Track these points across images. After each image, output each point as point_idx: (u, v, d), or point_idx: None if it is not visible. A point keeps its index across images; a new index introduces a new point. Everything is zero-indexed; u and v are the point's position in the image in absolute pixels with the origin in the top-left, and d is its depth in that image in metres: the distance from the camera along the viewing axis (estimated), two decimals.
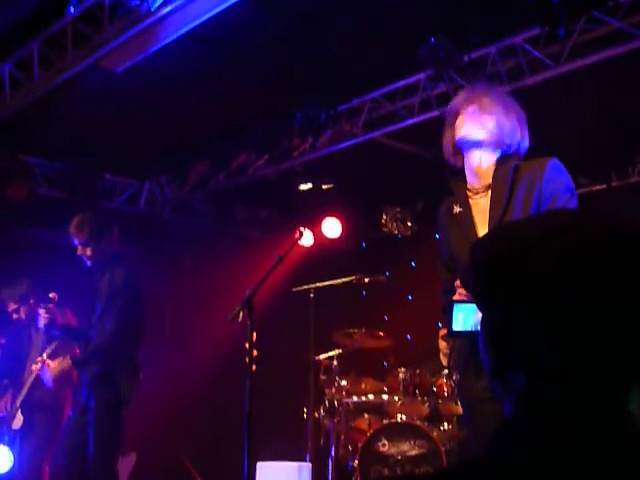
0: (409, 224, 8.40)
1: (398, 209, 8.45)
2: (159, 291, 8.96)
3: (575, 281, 0.97)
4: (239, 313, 3.83)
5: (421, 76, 6.21)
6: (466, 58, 5.71)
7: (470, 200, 3.05)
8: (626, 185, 7.40)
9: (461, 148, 3.06)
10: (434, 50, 5.56)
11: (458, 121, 3.04)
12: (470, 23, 5.57)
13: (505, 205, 2.89)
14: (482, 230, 2.95)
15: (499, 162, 3.00)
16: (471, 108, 3.03)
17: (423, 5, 5.30)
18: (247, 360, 3.79)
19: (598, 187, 7.40)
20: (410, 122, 6.39)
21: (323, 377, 6.74)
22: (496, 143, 3.01)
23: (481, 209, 3.00)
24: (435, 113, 6.14)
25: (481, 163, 3.02)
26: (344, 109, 6.77)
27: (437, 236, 3.35)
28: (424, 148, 7.23)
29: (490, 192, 2.98)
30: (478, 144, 3.00)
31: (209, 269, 8.89)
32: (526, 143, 3.07)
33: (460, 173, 3.15)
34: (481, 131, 2.99)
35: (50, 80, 5.81)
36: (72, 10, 5.10)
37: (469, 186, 3.07)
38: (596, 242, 1.00)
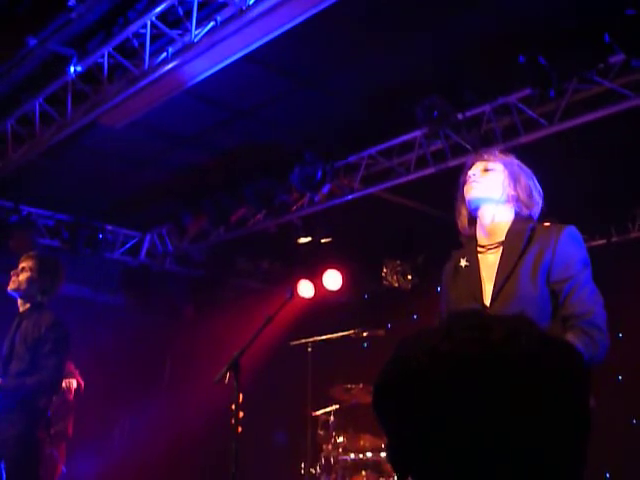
0: (409, 277, 8.39)
1: (398, 262, 8.45)
2: (159, 341, 8.98)
3: (447, 412, 1.03)
4: (226, 374, 3.81)
5: (417, 134, 6.27)
6: (461, 116, 5.77)
7: (479, 255, 3.01)
8: (626, 240, 7.37)
9: (475, 209, 3.03)
10: (429, 109, 5.63)
11: (469, 182, 3.03)
12: (465, 83, 5.65)
13: (516, 260, 2.86)
14: (488, 285, 2.90)
15: (515, 221, 2.99)
16: (481, 167, 3.03)
17: (419, 65, 5.39)
18: (233, 422, 3.77)
19: (598, 242, 7.36)
20: (406, 178, 6.44)
21: (320, 433, 6.64)
22: (510, 200, 3.00)
23: (489, 264, 2.95)
24: (431, 170, 6.18)
25: (494, 219, 2.99)
26: (341, 165, 6.83)
27: (438, 289, 3.31)
28: (423, 202, 7.27)
29: (502, 247, 2.94)
30: (491, 201, 2.98)
31: (210, 319, 8.89)
32: (538, 209, 3.04)
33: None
34: (494, 188, 2.99)
35: (51, 136, 5.90)
36: (73, 70, 5.19)
37: (480, 242, 3.04)
38: (468, 375, 1.03)
